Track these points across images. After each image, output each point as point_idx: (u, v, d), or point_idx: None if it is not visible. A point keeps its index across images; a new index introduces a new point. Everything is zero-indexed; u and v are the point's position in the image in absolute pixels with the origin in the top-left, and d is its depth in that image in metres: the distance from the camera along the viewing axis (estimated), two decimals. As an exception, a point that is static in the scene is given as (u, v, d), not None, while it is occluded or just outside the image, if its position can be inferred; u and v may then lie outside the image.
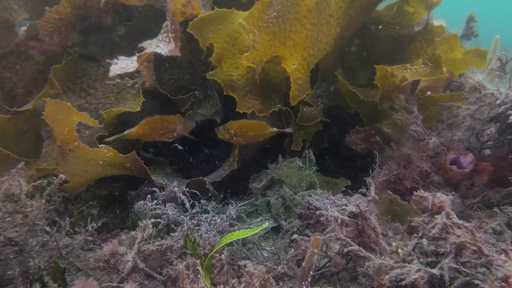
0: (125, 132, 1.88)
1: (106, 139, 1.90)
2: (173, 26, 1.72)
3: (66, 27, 2.04)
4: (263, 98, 2.07)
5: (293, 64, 1.84)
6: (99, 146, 1.72)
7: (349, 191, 2.00)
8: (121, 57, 1.70)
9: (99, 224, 1.54)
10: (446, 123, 2.07)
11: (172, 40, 1.72)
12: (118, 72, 1.62)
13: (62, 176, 1.51)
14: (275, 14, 1.67)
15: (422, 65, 1.92)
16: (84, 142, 1.89)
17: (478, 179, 1.86)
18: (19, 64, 2.10)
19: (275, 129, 1.97)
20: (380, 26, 2.31)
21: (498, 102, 1.81)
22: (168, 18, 1.75)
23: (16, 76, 2.10)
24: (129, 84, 1.93)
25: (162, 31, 1.77)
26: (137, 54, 1.66)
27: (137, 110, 1.88)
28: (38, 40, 2.09)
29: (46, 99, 1.60)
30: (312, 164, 2.05)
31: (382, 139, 2.31)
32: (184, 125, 1.92)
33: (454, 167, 1.81)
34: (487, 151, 1.94)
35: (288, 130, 2.05)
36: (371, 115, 2.29)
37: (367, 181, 1.51)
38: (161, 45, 1.70)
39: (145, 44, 1.83)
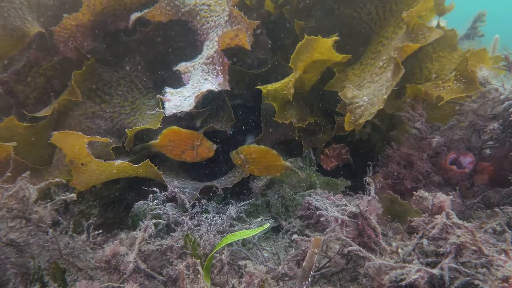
0: (150, 143, 1.90)
1: (134, 147, 1.91)
2: (220, 59, 1.75)
3: (82, 34, 2.04)
4: (299, 109, 2.08)
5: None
6: (115, 160, 1.72)
7: (348, 191, 2.01)
8: (168, 90, 1.70)
9: (97, 233, 1.53)
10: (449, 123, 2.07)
11: (220, 73, 1.74)
12: (174, 111, 1.61)
13: (74, 195, 1.49)
14: None
15: (455, 82, 1.90)
16: (98, 152, 1.88)
17: (478, 179, 1.86)
18: (30, 76, 2.10)
19: (288, 164, 1.87)
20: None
21: (502, 97, 1.81)
22: (214, 51, 1.76)
23: (28, 88, 2.11)
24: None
25: (206, 61, 1.78)
26: (195, 94, 1.65)
27: (157, 127, 1.89)
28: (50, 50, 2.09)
29: (53, 133, 1.59)
30: (312, 164, 2.05)
31: (385, 140, 2.30)
32: (203, 144, 1.91)
33: (454, 167, 1.81)
34: (487, 151, 1.94)
35: (301, 175, 1.95)
36: (389, 122, 2.29)
37: (367, 180, 1.52)
38: (210, 78, 1.72)
39: (180, 67, 1.85)
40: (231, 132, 2.32)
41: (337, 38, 1.87)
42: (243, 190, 2.09)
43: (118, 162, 1.69)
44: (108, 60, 2.19)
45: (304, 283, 1.19)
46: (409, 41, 1.81)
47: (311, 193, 1.81)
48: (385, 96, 1.73)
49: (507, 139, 1.83)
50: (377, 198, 1.40)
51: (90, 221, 1.56)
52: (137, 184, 2.04)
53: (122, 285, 1.23)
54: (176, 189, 1.64)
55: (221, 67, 1.75)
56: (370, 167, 1.74)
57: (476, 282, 1.10)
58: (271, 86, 1.91)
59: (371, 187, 1.43)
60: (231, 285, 1.27)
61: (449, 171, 1.82)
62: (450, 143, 1.92)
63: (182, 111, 1.61)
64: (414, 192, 1.51)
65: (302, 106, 2.17)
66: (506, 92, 1.81)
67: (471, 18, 3.66)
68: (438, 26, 2.20)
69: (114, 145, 1.92)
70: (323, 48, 1.86)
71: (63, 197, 1.43)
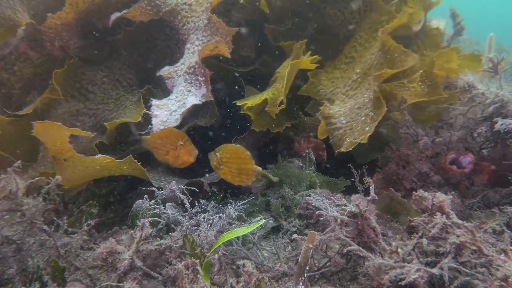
0: (142, 137, 1.92)
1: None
2: (202, 71, 1.80)
3: (67, 32, 2.06)
4: (276, 115, 2.09)
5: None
6: (97, 155, 1.71)
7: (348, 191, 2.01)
8: (154, 102, 1.73)
9: (93, 223, 1.52)
10: (444, 122, 2.07)
11: (203, 84, 1.80)
12: (162, 127, 1.66)
13: (58, 177, 1.50)
14: None
15: (420, 83, 1.89)
16: (82, 148, 1.89)
17: (478, 179, 1.86)
18: (17, 65, 2.10)
19: (259, 169, 1.81)
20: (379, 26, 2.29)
21: (488, 101, 1.82)
22: (194, 61, 1.80)
23: (14, 77, 2.10)
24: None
25: (188, 70, 1.81)
26: (180, 109, 1.69)
27: (138, 120, 1.89)
28: (38, 42, 2.09)
29: (34, 122, 1.59)
30: (312, 164, 2.05)
31: (378, 140, 2.29)
32: (186, 146, 1.91)
33: (454, 167, 1.81)
34: (485, 152, 1.94)
35: (274, 179, 1.92)
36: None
37: (367, 180, 1.51)
38: (193, 90, 1.77)
39: (163, 72, 1.89)
40: (217, 128, 2.32)
41: (319, 58, 1.96)
42: (243, 190, 2.09)
43: (99, 155, 1.68)
44: (94, 59, 2.21)
45: (300, 278, 1.19)
46: (385, 63, 1.83)
47: (311, 193, 1.81)
48: (369, 134, 1.70)
49: (498, 140, 1.84)
50: (377, 198, 1.40)
51: (90, 220, 1.55)
52: (137, 183, 2.03)
53: (121, 284, 1.23)
54: (174, 187, 1.64)
55: (204, 78, 1.80)
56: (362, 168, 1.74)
57: (476, 282, 1.10)
58: (251, 103, 1.92)
59: (371, 187, 1.43)
60: (229, 285, 1.27)
61: (449, 171, 1.82)
62: (449, 143, 1.93)
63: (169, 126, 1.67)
64: (414, 192, 1.51)
65: (280, 111, 2.17)
66: (492, 95, 1.81)
67: (448, 16, 3.71)
68: (425, 23, 2.19)
69: (98, 141, 1.92)
70: (304, 64, 1.93)
71: (49, 185, 1.44)
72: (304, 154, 2.08)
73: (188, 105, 1.70)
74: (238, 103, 1.96)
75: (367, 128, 1.72)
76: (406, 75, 2.11)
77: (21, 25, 1.97)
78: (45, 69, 2.12)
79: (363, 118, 1.79)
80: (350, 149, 1.76)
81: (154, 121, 1.67)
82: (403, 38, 2.25)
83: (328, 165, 2.26)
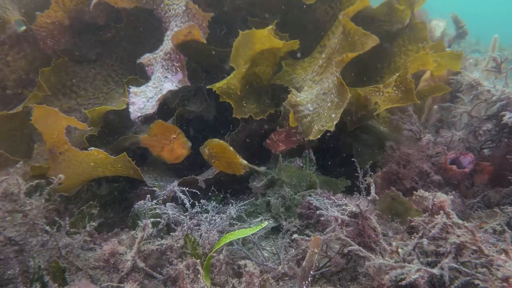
0: (140, 137, 1.93)
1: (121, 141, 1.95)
2: (177, 56, 1.81)
3: (59, 31, 2.08)
4: (258, 102, 2.07)
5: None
6: (89, 148, 1.71)
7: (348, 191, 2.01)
8: (132, 90, 1.73)
9: (95, 224, 1.53)
10: (446, 121, 2.08)
11: (179, 70, 1.80)
12: (139, 115, 1.67)
13: (61, 176, 1.50)
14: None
15: (395, 88, 1.86)
16: (75, 143, 1.88)
17: (478, 179, 1.86)
18: (10, 56, 2.10)
19: (245, 162, 1.82)
20: (370, 23, 2.27)
21: (494, 98, 1.82)
22: (170, 48, 1.80)
23: (7, 68, 2.10)
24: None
25: (165, 56, 1.81)
26: (157, 96, 1.69)
27: (122, 108, 1.88)
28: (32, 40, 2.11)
29: (33, 105, 1.60)
30: (312, 163, 2.05)
31: (378, 138, 2.29)
32: (179, 138, 1.91)
33: (454, 167, 1.81)
34: (486, 151, 1.94)
35: (260, 169, 1.92)
36: (360, 114, 2.26)
37: (367, 180, 1.51)
38: (169, 76, 1.78)
39: (143, 60, 1.89)
40: (212, 118, 2.32)
41: (273, 27, 1.90)
42: (243, 190, 2.09)
43: (92, 149, 1.68)
44: (88, 57, 2.24)
45: (304, 282, 1.19)
46: (347, 46, 1.81)
47: (311, 193, 1.81)
48: (335, 121, 1.69)
49: (503, 139, 1.84)
50: (377, 198, 1.40)
51: (90, 221, 1.56)
52: (138, 183, 2.04)
53: (121, 284, 1.23)
54: (175, 188, 1.64)
55: (179, 64, 1.80)
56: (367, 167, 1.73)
57: (476, 282, 1.10)
58: (219, 84, 1.91)
59: (371, 187, 1.43)
60: (231, 285, 1.27)
61: (449, 171, 1.82)
62: (450, 143, 1.93)
63: (146, 114, 1.68)
64: (414, 192, 1.51)
65: (263, 99, 2.14)
66: (498, 93, 1.81)
67: (449, 17, 3.77)
68: (411, 18, 2.18)
69: (88, 134, 1.93)
70: (261, 38, 1.87)
71: (51, 186, 1.45)
72: (304, 154, 2.08)
73: (164, 92, 1.71)
74: (208, 86, 1.95)
75: (333, 115, 1.71)
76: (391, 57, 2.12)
77: (10, 21, 1.99)
78: (40, 66, 2.13)
79: (329, 104, 1.77)
80: (319, 136, 1.75)
81: (131, 108, 1.68)
82: (393, 33, 2.25)
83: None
